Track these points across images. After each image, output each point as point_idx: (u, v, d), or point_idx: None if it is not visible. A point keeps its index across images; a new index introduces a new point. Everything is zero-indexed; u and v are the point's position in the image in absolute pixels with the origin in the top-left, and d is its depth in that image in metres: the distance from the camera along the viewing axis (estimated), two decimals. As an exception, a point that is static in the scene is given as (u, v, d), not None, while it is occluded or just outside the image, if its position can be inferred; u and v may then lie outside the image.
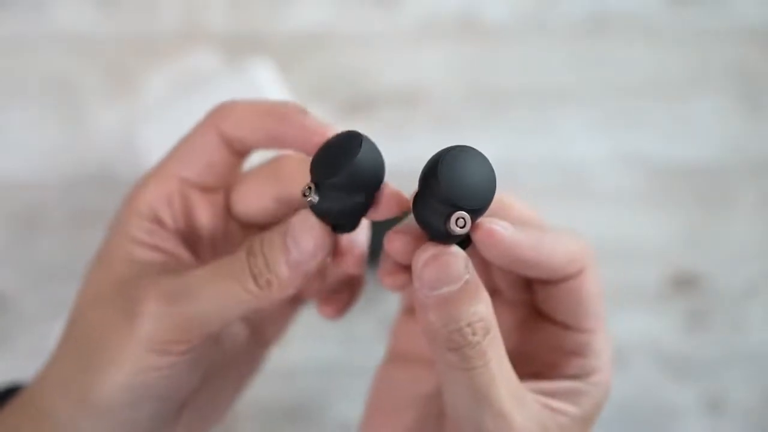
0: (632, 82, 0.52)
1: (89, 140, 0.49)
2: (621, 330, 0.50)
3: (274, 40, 0.51)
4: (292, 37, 0.51)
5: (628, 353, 0.50)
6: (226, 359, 0.28)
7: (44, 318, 0.47)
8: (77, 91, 0.50)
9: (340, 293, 0.30)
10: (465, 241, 0.23)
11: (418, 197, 0.22)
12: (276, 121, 0.25)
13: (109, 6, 0.50)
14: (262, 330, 0.30)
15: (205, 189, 0.27)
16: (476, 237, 0.23)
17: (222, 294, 0.24)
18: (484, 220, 0.23)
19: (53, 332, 0.26)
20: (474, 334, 0.22)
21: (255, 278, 0.24)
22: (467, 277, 0.22)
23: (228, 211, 0.28)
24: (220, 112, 0.26)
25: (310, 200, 0.22)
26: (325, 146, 0.23)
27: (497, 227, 0.23)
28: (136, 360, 0.24)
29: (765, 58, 0.53)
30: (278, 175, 0.26)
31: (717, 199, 0.51)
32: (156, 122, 0.45)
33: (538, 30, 0.52)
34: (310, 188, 0.22)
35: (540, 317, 0.27)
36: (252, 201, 0.27)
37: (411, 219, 0.25)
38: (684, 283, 0.51)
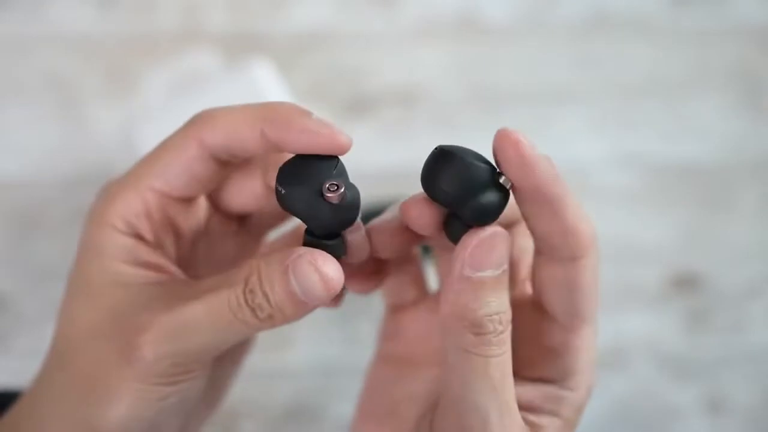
0: (632, 82, 0.52)
1: (89, 140, 0.49)
2: (621, 330, 0.50)
3: (273, 39, 0.51)
4: (291, 37, 0.51)
5: (628, 353, 0.50)
6: (222, 355, 0.28)
7: (43, 318, 0.47)
8: (77, 91, 0.50)
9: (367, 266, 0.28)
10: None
11: (465, 188, 0.23)
12: (274, 126, 0.24)
13: (108, 6, 0.50)
14: None
15: (186, 200, 0.26)
16: (498, 144, 0.23)
17: (221, 330, 0.23)
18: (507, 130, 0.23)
19: (51, 332, 0.26)
20: (500, 323, 0.23)
21: (254, 312, 0.23)
22: (505, 267, 0.23)
23: (209, 208, 0.28)
24: (200, 121, 0.25)
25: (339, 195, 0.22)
26: (293, 169, 0.23)
27: (521, 137, 0.23)
28: (140, 394, 0.23)
29: (765, 58, 0.53)
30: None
31: (717, 199, 0.51)
32: (155, 122, 0.45)
33: (538, 30, 0.52)
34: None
35: (526, 307, 0.27)
36: (242, 195, 0.26)
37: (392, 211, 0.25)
38: (684, 283, 0.51)
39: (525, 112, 0.51)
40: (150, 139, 0.44)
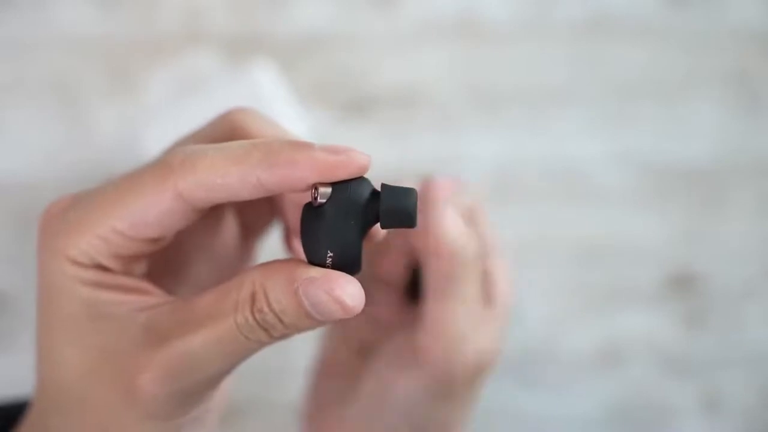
0: (631, 83, 0.52)
1: (89, 140, 0.49)
2: (619, 329, 0.50)
3: (274, 40, 0.51)
4: (292, 38, 0.51)
5: (626, 353, 0.50)
6: None
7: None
8: (78, 92, 0.50)
9: None
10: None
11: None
12: (275, 170, 0.21)
13: (109, 6, 0.50)
14: None
15: (156, 239, 0.24)
16: None
17: (232, 355, 0.22)
18: None
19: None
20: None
21: (268, 331, 0.21)
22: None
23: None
24: (179, 167, 0.21)
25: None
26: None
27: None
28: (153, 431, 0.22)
29: (764, 58, 0.53)
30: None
31: (715, 198, 0.52)
32: (156, 123, 0.45)
33: (537, 30, 0.52)
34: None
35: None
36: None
37: None
38: (682, 283, 0.51)
39: (524, 112, 0.51)
40: (150, 140, 0.45)
